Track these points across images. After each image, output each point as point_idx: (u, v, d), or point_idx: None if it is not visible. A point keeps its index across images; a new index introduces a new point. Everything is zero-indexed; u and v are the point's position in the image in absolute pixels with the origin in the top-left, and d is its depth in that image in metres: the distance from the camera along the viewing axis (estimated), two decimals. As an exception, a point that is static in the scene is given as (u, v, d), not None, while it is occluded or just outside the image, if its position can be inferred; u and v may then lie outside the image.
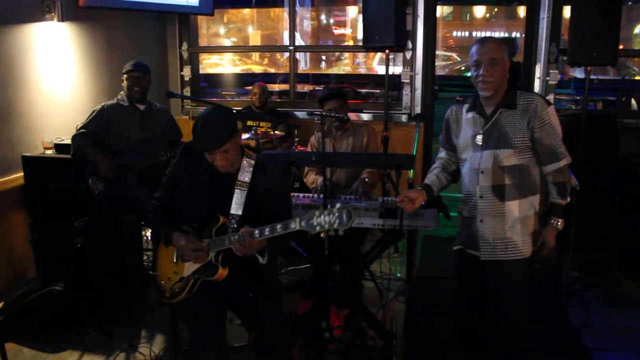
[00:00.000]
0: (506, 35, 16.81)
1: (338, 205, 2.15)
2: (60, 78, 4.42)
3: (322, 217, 2.13)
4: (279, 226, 2.25)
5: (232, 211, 2.46)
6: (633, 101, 6.29)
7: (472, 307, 2.80)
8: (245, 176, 2.48)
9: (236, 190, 2.47)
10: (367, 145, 3.88)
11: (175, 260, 2.57)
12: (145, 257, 4.38)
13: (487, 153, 2.51)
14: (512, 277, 2.57)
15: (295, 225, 2.21)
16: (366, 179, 3.60)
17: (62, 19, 4.32)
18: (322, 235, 2.15)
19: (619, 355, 3.37)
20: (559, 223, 2.54)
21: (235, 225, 2.46)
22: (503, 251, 2.53)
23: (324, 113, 3.18)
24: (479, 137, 2.53)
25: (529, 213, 2.54)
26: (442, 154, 2.84)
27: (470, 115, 2.59)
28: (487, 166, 2.51)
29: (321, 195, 3.24)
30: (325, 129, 3.81)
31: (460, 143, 2.64)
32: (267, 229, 2.28)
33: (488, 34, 17.51)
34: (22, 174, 4.01)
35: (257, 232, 2.30)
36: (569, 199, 2.56)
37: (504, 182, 2.50)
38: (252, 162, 2.52)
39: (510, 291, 2.59)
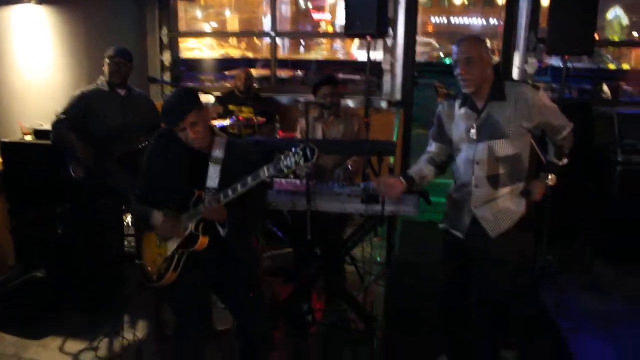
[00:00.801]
0: (485, 22, 16.95)
1: (300, 144, 2.24)
2: (39, 62, 4.35)
3: (288, 158, 2.23)
4: (249, 178, 2.34)
5: (208, 185, 2.52)
6: (605, 88, 6.44)
7: (457, 282, 2.91)
8: (217, 152, 2.55)
9: (210, 165, 2.54)
10: (358, 133, 3.93)
11: (158, 243, 2.62)
12: (126, 243, 4.37)
13: (481, 145, 2.62)
14: (509, 246, 2.70)
15: (264, 173, 2.31)
16: (349, 167, 3.64)
17: (40, 1, 4.25)
18: (290, 175, 2.30)
19: (590, 336, 3.49)
20: (549, 178, 2.75)
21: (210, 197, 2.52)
22: (507, 220, 2.66)
23: (306, 100, 3.20)
24: (473, 131, 2.63)
25: (517, 192, 2.70)
26: (432, 147, 2.90)
27: (462, 110, 2.69)
28: (482, 157, 2.62)
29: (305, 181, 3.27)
30: (315, 115, 3.87)
31: (454, 137, 2.74)
32: (233, 188, 2.38)
33: (466, 20, 17.63)
34: (0, 160, 3.95)
35: (221, 194, 2.40)
36: (565, 161, 2.76)
37: (498, 171, 2.63)
38: (223, 140, 2.60)
39: (504, 261, 2.72)
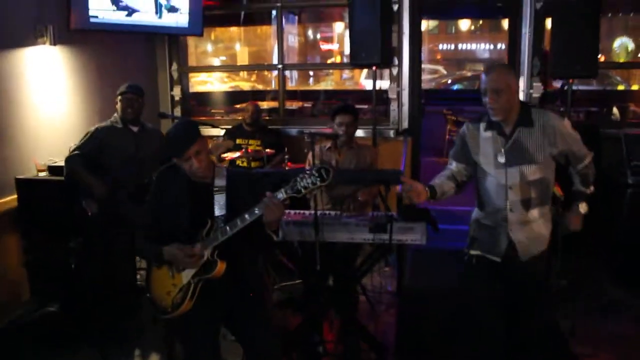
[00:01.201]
0: (491, 47, 17.06)
1: (315, 167, 2.34)
2: (53, 101, 4.47)
3: (304, 180, 2.33)
4: (279, 193, 2.41)
5: (217, 213, 2.58)
6: (615, 110, 6.43)
7: (496, 303, 2.90)
8: (221, 182, 2.63)
9: (216, 195, 2.60)
10: (370, 166, 3.96)
11: (171, 274, 2.64)
12: (138, 276, 4.41)
13: (512, 170, 2.69)
14: (540, 268, 2.83)
15: (282, 195, 2.39)
16: (359, 198, 3.68)
17: (54, 42, 4.38)
18: (307, 195, 2.42)
19: (606, 361, 3.45)
20: (582, 207, 2.84)
21: (222, 225, 2.56)
22: (539, 245, 2.78)
23: (311, 131, 3.24)
24: (501, 156, 2.71)
25: (547, 213, 2.80)
26: (453, 165, 2.93)
27: (488, 134, 2.76)
28: (515, 182, 2.69)
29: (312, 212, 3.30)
30: (329, 145, 3.91)
31: (481, 160, 2.79)
32: (281, 190, 2.42)
33: (473, 46, 17.78)
34: (15, 196, 4.04)
35: (277, 193, 2.42)
36: (592, 189, 2.85)
37: (530, 195, 2.71)
38: (223, 170, 2.70)
39: (539, 282, 2.86)
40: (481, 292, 2.94)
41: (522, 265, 2.77)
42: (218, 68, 12.07)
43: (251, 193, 2.57)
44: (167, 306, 2.63)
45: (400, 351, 3.60)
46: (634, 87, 9.13)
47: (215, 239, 2.52)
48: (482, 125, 2.78)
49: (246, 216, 2.45)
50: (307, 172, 2.34)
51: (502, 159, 2.70)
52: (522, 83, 5.32)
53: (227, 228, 2.49)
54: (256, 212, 2.43)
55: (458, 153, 2.91)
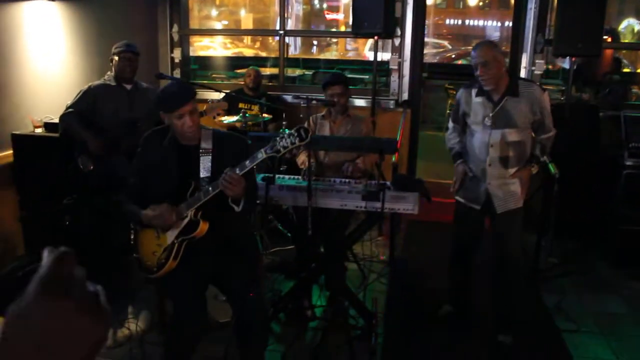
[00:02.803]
0: (499, 24, 16.84)
1: (295, 128, 2.41)
2: (50, 57, 4.44)
3: (283, 140, 2.40)
4: (247, 162, 2.46)
5: (202, 175, 2.63)
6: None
7: (465, 255, 3.52)
8: (207, 144, 2.67)
9: (202, 157, 2.65)
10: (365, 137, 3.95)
11: (157, 234, 2.68)
12: (132, 235, 4.43)
13: (496, 131, 3.12)
14: (516, 220, 3.28)
15: (261, 154, 2.45)
16: (358, 163, 3.67)
17: (53, -2, 4.34)
18: (286, 155, 2.50)
19: (590, 338, 3.50)
20: (533, 167, 3.27)
21: (206, 186, 2.60)
22: (513, 202, 3.22)
23: (308, 97, 3.23)
24: (488, 119, 3.13)
25: (523, 174, 3.23)
26: (452, 126, 3.43)
27: (479, 99, 3.17)
28: (496, 141, 3.13)
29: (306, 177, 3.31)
30: (323, 113, 3.90)
31: (471, 120, 3.24)
32: (241, 165, 2.47)
33: (481, 22, 17.56)
34: (11, 151, 4.04)
35: (237, 168, 2.46)
36: (545, 158, 3.29)
37: (509, 154, 3.15)
38: (209, 132, 2.72)
39: (515, 230, 3.30)
40: (456, 231, 3.54)
41: (498, 217, 3.23)
42: (218, 31, 11.92)
43: (235, 155, 2.60)
44: (152, 266, 2.68)
45: (388, 319, 3.65)
46: (640, 70, 9.04)
47: (197, 199, 2.56)
48: (474, 91, 3.20)
49: (209, 188, 2.50)
50: (287, 132, 2.40)
51: (488, 122, 3.13)
52: (524, 60, 5.28)
53: (210, 188, 2.53)
54: (247, 164, 2.47)
55: (454, 114, 3.39)
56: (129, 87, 4.01)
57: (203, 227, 2.58)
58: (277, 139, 2.41)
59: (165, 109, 2.59)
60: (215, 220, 2.60)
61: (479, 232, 3.44)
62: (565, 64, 6.93)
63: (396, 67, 5.57)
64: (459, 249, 3.54)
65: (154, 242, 2.67)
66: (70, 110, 3.83)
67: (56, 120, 3.99)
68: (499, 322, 3.48)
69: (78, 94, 3.90)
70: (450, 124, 3.45)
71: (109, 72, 4.00)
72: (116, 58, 3.93)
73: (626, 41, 7.91)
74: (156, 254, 2.66)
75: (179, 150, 2.68)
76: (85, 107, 3.84)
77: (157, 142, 2.71)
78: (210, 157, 2.64)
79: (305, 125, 4.05)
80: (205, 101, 5.81)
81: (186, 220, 2.58)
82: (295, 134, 2.38)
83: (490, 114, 3.11)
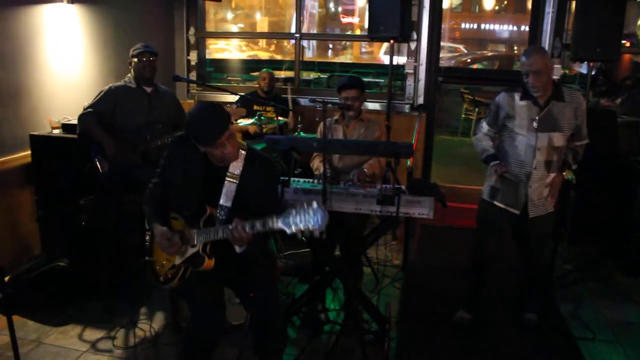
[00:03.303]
0: (515, 28, 16.74)
1: (315, 205, 2.20)
2: (69, 59, 4.49)
3: (299, 216, 2.20)
4: (257, 224, 2.32)
5: (221, 202, 2.54)
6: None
7: (487, 261, 3.57)
8: (236, 169, 2.56)
9: (226, 181, 2.55)
10: (378, 140, 3.92)
11: None
12: (147, 237, 4.45)
13: (542, 135, 3.21)
14: (547, 226, 3.43)
15: (272, 224, 2.28)
16: (365, 169, 3.65)
17: (72, 0, 4.39)
18: (297, 235, 2.21)
19: (606, 346, 3.45)
20: (565, 173, 3.36)
21: (223, 217, 2.54)
22: (543, 209, 3.35)
23: (323, 99, 3.21)
24: (535, 122, 3.21)
25: (558, 180, 3.35)
26: (486, 129, 3.45)
27: (524, 102, 3.24)
28: (543, 145, 3.22)
29: (321, 181, 3.30)
30: (337, 117, 3.89)
31: (516, 123, 3.28)
32: (251, 224, 2.34)
33: (496, 27, 17.45)
34: (29, 152, 4.09)
35: (247, 225, 2.35)
36: (575, 166, 3.41)
37: (553, 158, 3.26)
38: (244, 153, 2.60)
39: (546, 235, 3.50)
40: (486, 233, 3.52)
41: (531, 220, 3.34)
42: (234, 35, 12.00)
43: (261, 184, 2.54)
44: (160, 275, 2.66)
45: (401, 324, 3.64)
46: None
47: (208, 233, 2.48)
48: (517, 95, 3.27)
49: (255, 225, 2.34)
50: (305, 209, 2.20)
51: (535, 125, 3.21)
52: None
53: (221, 231, 2.44)
54: (257, 227, 2.33)
55: (492, 118, 3.41)
56: (149, 90, 4.03)
57: (209, 263, 2.52)
58: (294, 211, 2.22)
59: (205, 143, 2.47)
60: (222, 256, 2.56)
61: (507, 237, 3.49)
62: (583, 68, 6.89)
63: (412, 71, 5.55)
64: (483, 254, 3.55)
65: (165, 254, 2.63)
66: (89, 110, 3.85)
67: (74, 122, 4.02)
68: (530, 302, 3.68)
69: (98, 95, 3.93)
70: (485, 128, 3.46)
71: (129, 75, 4.02)
72: (135, 60, 3.95)
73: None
74: (165, 266, 2.64)
75: (207, 168, 2.59)
76: (105, 108, 3.87)
77: (185, 151, 2.62)
78: (236, 185, 2.55)
79: (318, 130, 4.06)
80: (220, 104, 5.87)
81: (194, 251, 2.54)
82: (312, 215, 2.18)
83: (537, 117, 3.20)
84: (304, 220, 2.19)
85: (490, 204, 3.43)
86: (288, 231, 2.23)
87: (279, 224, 2.25)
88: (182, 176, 2.63)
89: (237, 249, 2.45)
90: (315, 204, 2.20)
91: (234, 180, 2.55)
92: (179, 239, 2.54)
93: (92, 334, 3.43)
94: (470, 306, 3.66)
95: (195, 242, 2.53)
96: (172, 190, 2.67)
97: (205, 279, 2.61)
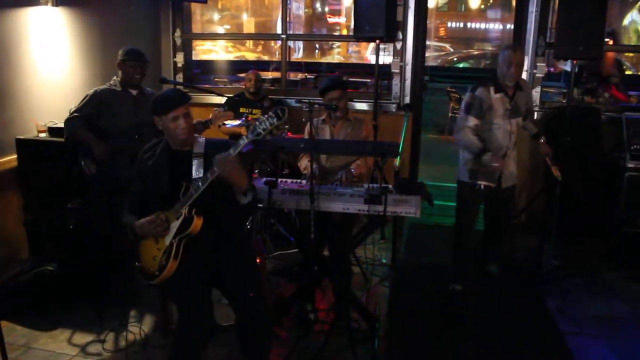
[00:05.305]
0: (500, 26, 16.88)
1: (272, 109, 2.49)
2: (54, 62, 4.46)
3: (262, 123, 2.47)
4: (231, 149, 2.53)
5: (194, 177, 2.69)
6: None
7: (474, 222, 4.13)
8: (199, 149, 2.76)
9: (194, 160, 2.73)
10: (366, 139, 3.93)
11: (155, 239, 2.72)
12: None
13: (513, 121, 3.85)
14: (512, 192, 4.10)
15: (243, 141, 2.52)
16: (352, 169, 3.67)
17: (56, 3, 4.36)
18: (267, 137, 2.55)
19: (593, 341, 3.50)
20: (542, 139, 4.12)
21: (196, 183, 2.64)
22: (511, 180, 3.99)
23: (310, 100, 3.23)
24: (507, 111, 3.79)
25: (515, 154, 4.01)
26: (471, 122, 3.78)
27: (498, 95, 3.79)
28: (515, 129, 3.89)
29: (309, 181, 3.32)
30: (323, 117, 3.91)
31: (493, 114, 3.79)
32: (233, 148, 2.54)
33: (482, 26, 17.57)
34: (15, 156, 4.07)
35: (231, 150, 2.53)
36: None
37: (517, 138, 3.93)
38: (202, 139, 2.82)
39: (511, 198, 4.13)
40: (469, 212, 4.04)
41: (502, 190, 3.93)
42: (220, 36, 11.96)
43: (228, 149, 2.64)
44: (154, 270, 2.70)
45: (391, 322, 3.66)
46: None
47: (190, 196, 2.62)
48: (492, 89, 3.78)
49: (208, 175, 2.55)
50: (265, 116, 2.48)
51: (507, 113, 3.79)
52: (526, 63, 5.28)
53: (200, 183, 2.59)
54: (215, 170, 2.52)
55: (477, 110, 3.78)
56: (134, 92, 4.02)
57: (197, 222, 2.63)
58: (257, 122, 2.48)
59: (161, 111, 2.68)
60: (208, 215, 2.65)
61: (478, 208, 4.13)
62: (567, 66, 6.96)
63: (398, 71, 5.58)
64: (464, 228, 4.06)
65: (154, 247, 2.70)
66: (75, 114, 3.83)
67: (60, 125, 4.00)
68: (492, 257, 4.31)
69: (84, 99, 3.91)
70: (472, 122, 3.78)
71: (114, 77, 4.01)
72: (125, 64, 3.92)
73: (632, 40, 7.89)
74: (156, 258, 2.69)
75: (172, 155, 2.77)
76: (91, 112, 3.85)
77: (152, 152, 2.83)
78: (202, 160, 2.71)
79: (305, 130, 4.08)
80: (207, 105, 5.87)
81: (181, 219, 2.63)
82: (273, 115, 2.46)
83: (508, 106, 3.79)
84: (269, 122, 2.47)
85: (472, 185, 3.91)
86: (260, 137, 2.49)
87: (249, 137, 2.49)
88: (152, 170, 2.78)
89: (243, 199, 2.64)
90: (273, 109, 2.50)
91: (200, 158, 2.73)
92: (163, 216, 2.65)
93: (81, 338, 3.42)
94: (461, 278, 4.06)
95: (180, 212, 2.64)
96: (148, 187, 2.78)
97: (191, 278, 2.66)
